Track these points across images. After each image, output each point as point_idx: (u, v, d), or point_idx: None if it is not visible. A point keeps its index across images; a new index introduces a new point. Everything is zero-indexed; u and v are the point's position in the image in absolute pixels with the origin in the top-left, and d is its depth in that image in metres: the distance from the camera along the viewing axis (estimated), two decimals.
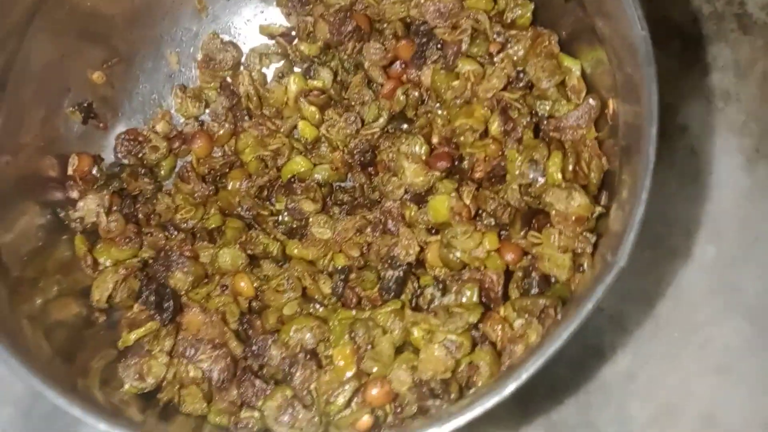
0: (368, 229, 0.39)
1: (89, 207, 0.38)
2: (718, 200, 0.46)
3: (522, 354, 0.29)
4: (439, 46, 0.38)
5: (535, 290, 0.32)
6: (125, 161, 0.42)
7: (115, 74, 0.41)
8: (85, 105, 0.40)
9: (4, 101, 0.34)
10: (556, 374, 0.42)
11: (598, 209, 0.32)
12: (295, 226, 0.41)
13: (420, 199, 0.38)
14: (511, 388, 0.26)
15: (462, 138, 0.36)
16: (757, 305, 0.44)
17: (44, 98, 0.37)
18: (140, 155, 0.42)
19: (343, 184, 0.43)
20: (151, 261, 0.38)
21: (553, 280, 0.32)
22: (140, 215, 0.41)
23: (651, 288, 0.44)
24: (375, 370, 0.31)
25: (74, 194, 0.39)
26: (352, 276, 0.38)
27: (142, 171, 0.41)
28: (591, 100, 0.34)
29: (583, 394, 0.42)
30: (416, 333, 0.31)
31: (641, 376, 0.43)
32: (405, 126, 0.41)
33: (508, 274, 0.33)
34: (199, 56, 0.44)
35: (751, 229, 0.46)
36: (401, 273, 0.35)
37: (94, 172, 0.40)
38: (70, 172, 0.39)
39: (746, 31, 0.49)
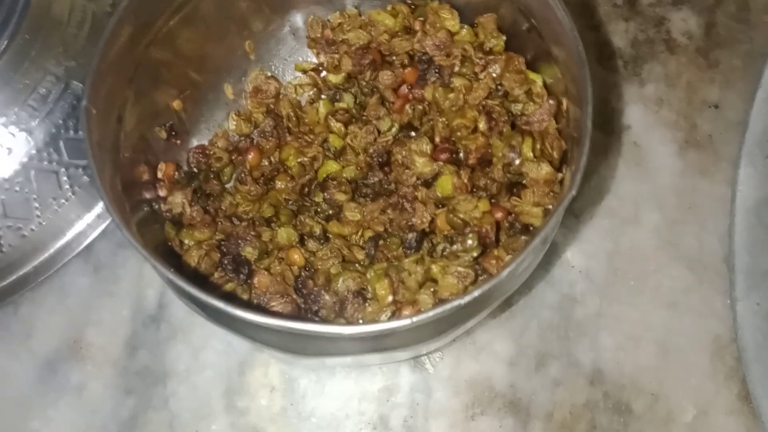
0: (389, 210, 0.48)
1: (176, 201, 0.48)
2: (658, 179, 0.56)
3: None
4: (436, 70, 0.48)
5: (519, 235, 0.43)
6: (196, 169, 0.53)
7: (188, 103, 0.51)
8: (168, 126, 0.50)
9: (122, 129, 0.44)
10: (542, 317, 0.52)
11: (560, 175, 0.43)
12: (330, 213, 0.50)
13: (428, 183, 0.48)
14: (503, 274, 0.34)
15: (458, 134, 0.46)
16: (693, 257, 0.53)
17: (142, 122, 0.47)
18: (208, 164, 0.53)
19: (365, 181, 0.51)
20: (223, 241, 0.49)
21: (531, 227, 0.43)
22: (211, 209, 0.51)
23: (610, 248, 0.54)
24: (406, 296, 0.42)
25: (163, 192, 0.48)
26: (380, 243, 0.48)
27: (212, 176, 0.52)
28: (550, 101, 0.44)
29: (564, 331, 0.51)
30: (434, 269, 0.42)
31: (607, 315, 0.51)
32: (412, 133, 0.50)
33: (498, 227, 0.44)
34: (249, 88, 0.54)
35: (686, 200, 0.55)
36: (419, 234, 0.46)
37: (176, 176, 0.50)
38: (159, 175, 0.48)
39: (672, 51, 0.60)
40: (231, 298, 0.46)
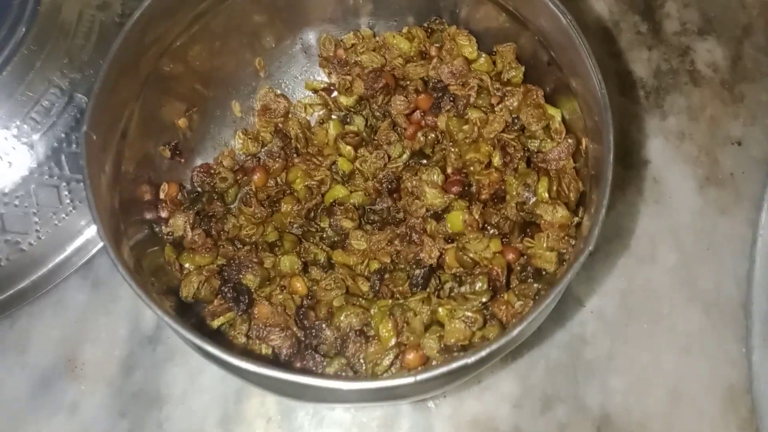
0: (396, 241, 0.47)
1: (177, 224, 0.47)
2: (676, 217, 0.54)
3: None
4: (451, 99, 0.47)
5: (530, 280, 0.41)
6: (200, 189, 0.51)
7: (194, 120, 0.50)
8: (173, 144, 0.48)
9: (125, 145, 0.43)
10: (550, 357, 0.50)
11: (576, 219, 0.41)
12: (336, 239, 0.49)
13: (438, 216, 0.47)
14: (514, 332, 0.33)
15: (471, 168, 0.45)
16: (710, 299, 0.51)
17: (147, 139, 0.46)
18: (212, 184, 0.51)
19: (373, 207, 0.49)
20: (224, 267, 0.48)
21: (543, 272, 0.41)
22: (213, 231, 0.50)
23: (624, 287, 0.52)
24: (411, 339, 0.40)
25: (165, 214, 0.47)
26: (386, 276, 0.47)
27: (215, 196, 0.51)
28: (569, 139, 0.43)
29: (572, 372, 0.49)
30: (441, 311, 0.40)
31: (618, 357, 0.50)
32: (424, 161, 0.49)
33: (510, 269, 0.42)
34: (258, 106, 0.52)
35: (704, 239, 0.53)
36: (426, 271, 0.44)
37: (179, 197, 0.48)
38: (161, 196, 0.47)
39: (696, 83, 0.58)
40: (221, 336, 0.44)
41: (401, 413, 0.49)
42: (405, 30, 0.50)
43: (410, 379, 0.30)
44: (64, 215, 0.51)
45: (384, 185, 0.50)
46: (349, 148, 0.51)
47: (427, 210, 0.47)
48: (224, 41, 0.49)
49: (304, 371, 0.40)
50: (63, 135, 0.49)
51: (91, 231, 0.52)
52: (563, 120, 0.45)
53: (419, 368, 0.39)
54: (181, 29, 0.46)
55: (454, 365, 0.30)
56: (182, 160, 0.50)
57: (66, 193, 0.51)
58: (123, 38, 0.40)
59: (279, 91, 0.53)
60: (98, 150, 0.38)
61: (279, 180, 0.52)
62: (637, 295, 0.52)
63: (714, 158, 0.56)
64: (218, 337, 0.44)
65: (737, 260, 0.53)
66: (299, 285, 0.47)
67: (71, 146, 0.49)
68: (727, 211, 0.55)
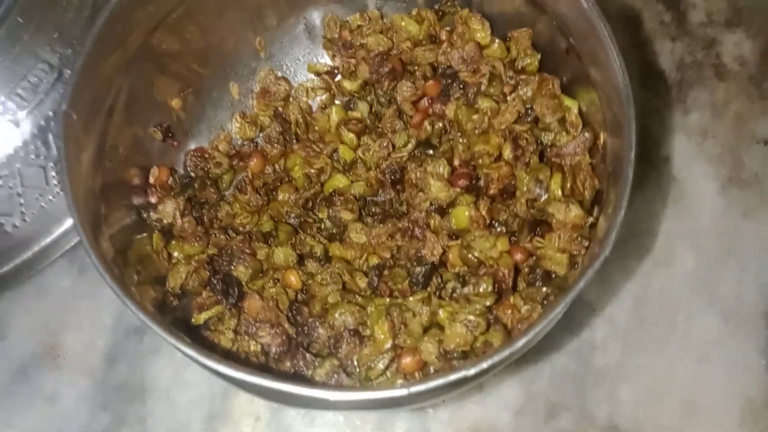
0: (398, 235, 0.44)
1: (167, 210, 0.44)
2: (696, 219, 0.51)
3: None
4: (461, 86, 0.44)
5: (539, 283, 0.38)
6: (193, 174, 0.49)
7: (188, 102, 0.47)
8: (165, 126, 0.46)
9: (111, 124, 0.41)
10: (557, 363, 0.48)
11: (590, 219, 0.38)
12: (334, 231, 0.46)
13: (443, 211, 0.44)
14: (519, 343, 0.31)
15: (480, 161, 0.42)
16: (729, 306, 0.49)
17: (136, 120, 0.44)
18: (206, 169, 0.49)
19: (375, 199, 0.47)
20: (215, 257, 0.45)
21: (553, 275, 0.38)
22: (205, 219, 0.48)
23: (638, 292, 0.49)
24: (408, 342, 0.37)
25: (154, 199, 0.45)
26: (385, 272, 0.44)
27: (209, 182, 0.48)
28: (586, 133, 0.40)
29: (579, 380, 0.47)
30: (441, 314, 0.38)
31: (629, 365, 0.47)
32: (430, 151, 0.46)
33: (517, 270, 0.39)
34: (257, 89, 0.50)
35: (726, 243, 0.50)
36: (428, 269, 0.41)
37: (170, 182, 0.46)
38: (151, 180, 0.45)
39: (721, 78, 0.55)
40: (200, 335, 0.42)
41: (397, 416, 0.47)
42: (414, 12, 0.47)
43: (403, 392, 0.28)
44: (50, 197, 0.48)
45: (387, 176, 0.47)
46: (351, 135, 0.48)
47: (432, 204, 0.44)
48: (223, 17, 0.47)
49: (292, 377, 0.37)
50: (51, 113, 0.47)
51: None
52: (580, 112, 0.42)
53: (416, 373, 0.37)
54: (176, 2, 0.43)
55: (452, 377, 0.28)
56: (175, 144, 0.48)
57: (53, 174, 0.48)
58: (110, 10, 0.38)
59: (280, 74, 0.51)
60: (79, 131, 0.36)
61: (277, 167, 0.49)
62: (651, 300, 0.49)
63: (738, 157, 0.53)
64: (205, 332, 0.42)
65: (761, 266, 0.50)
66: (293, 278, 0.44)
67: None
68: (751, 213, 0.52)
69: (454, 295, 0.39)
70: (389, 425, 0.47)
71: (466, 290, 0.39)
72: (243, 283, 0.43)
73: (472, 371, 0.28)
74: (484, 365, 0.28)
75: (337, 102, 0.50)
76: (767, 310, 0.49)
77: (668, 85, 0.55)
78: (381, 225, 0.46)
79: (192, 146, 0.48)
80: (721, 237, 0.51)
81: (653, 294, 0.49)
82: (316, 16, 0.50)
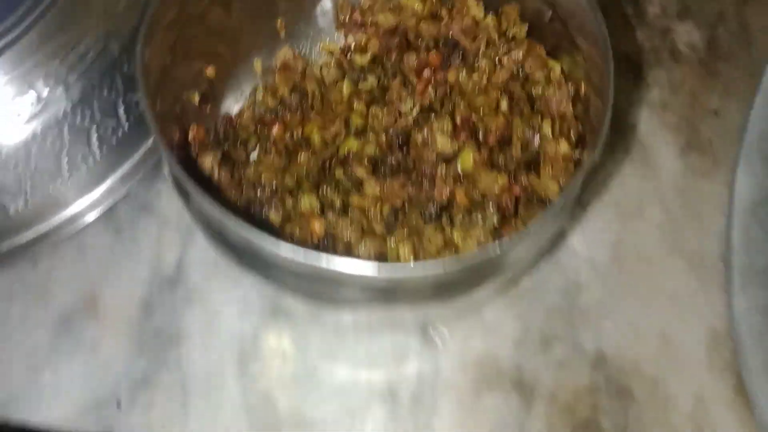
0: (408, 185, 0.51)
1: (206, 162, 0.50)
2: (661, 178, 0.58)
3: None
4: (460, 55, 0.51)
5: (536, 209, 0.45)
6: (223, 137, 0.54)
7: (220, 72, 0.53)
8: (201, 91, 0.52)
9: (159, 91, 0.46)
10: (548, 301, 0.53)
11: (577, 152, 0.46)
12: (350, 187, 0.53)
13: (447, 161, 0.51)
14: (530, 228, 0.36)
15: (480, 113, 0.49)
16: (693, 250, 0.56)
17: (178, 84, 0.49)
18: (235, 133, 0.55)
19: (385, 158, 0.52)
20: (250, 203, 0.50)
21: (548, 202, 0.45)
22: (236, 176, 0.53)
23: (614, 239, 0.56)
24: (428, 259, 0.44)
25: (194, 154, 0.51)
26: (400, 216, 0.50)
27: (239, 143, 0.54)
28: (569, 86, 0.48)
29: (568, 315, 0.53)
30: (455, 235, 0.44)
31: (610, 303, 0.53)
32: (433, 115, 0.53)
33: (517, 200, 0.46)
34: (277, 64, 0.56)
35: (687, 199, 0.58)
36: (438, 206, 0.48)
37: (206, 140, 0.52)
38: (190, 138, 0.51)
39: (676, 60, 0.63)
40: None
41: (410, 350, 0.52)
42: None
43: (438, 266, 0.33)
44: (92, 159, 0.53)
45: (395, 139, 0.53)
46: (362, 105, 0.55)
47: (437, 156, 0.51)
48: (248, 2, 0.53)
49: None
50: (96, 81, 0.52)
51: (116, 177, 0.55)
52: (562, 71, 0.49)
53: None
54: None
55: (484, 252, 0.34)
56: (208, 109, 0.53)
57: (95, 138, 0.53)
58: None
59: (297, 51, 0.57)
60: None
61: (296, 133, 0.55)
62: (626, 247, 0.56)
63: (694, 127, 0.61)
64: None
65: (717, 218, 0.57)
66: (317, 225, 0.50)
67: (103, 91, 0.52)
68: (707, 174, 0.60)
69: (464, 223, 0.46)
70: (404, 359, 0.52)
71: (473, 217, 0.45)
72: (277, 227, 0.49)
73: (498, 247, 0.34)
74: (505, 244, 0.34)
75: (348, 77, 0.56)
76: (723, 254, 0.56)
77: (632, 67, 0.63)
78: (393, 178, 0.52)
79: (222, 112, 0.54)
80: (683, 194, 0.58)
81: (628, 242, 0.56)
82: (328, 1, 0.57)
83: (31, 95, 0.50)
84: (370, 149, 0.54)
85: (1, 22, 0.48)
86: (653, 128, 0.61)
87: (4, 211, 0.53)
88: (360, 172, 0.53)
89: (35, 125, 0.51)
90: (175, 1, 0.45)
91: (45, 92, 0.51)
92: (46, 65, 0.50)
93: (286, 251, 0.34)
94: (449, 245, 0.45)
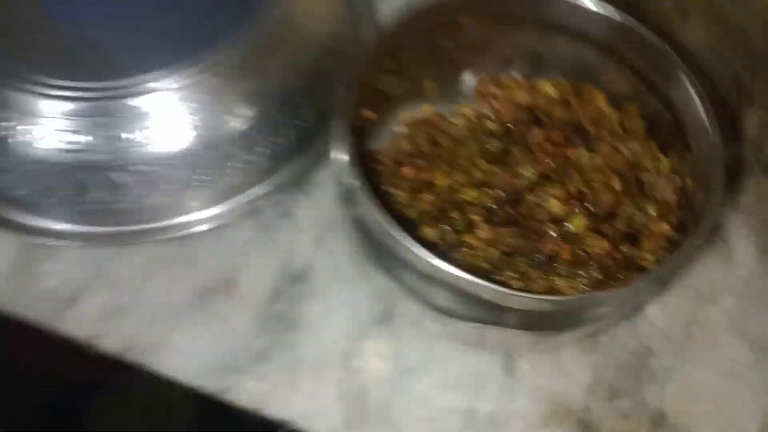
0: (517, 235, 0.60)
1: None
2: (737, 273, 0.65)
3: None
4: (583, 136, 0.60)
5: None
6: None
7: (376, 114, 0.65)
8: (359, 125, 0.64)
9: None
10: (621, 358, 0.60)
11: (675, 234, 0.54)
12: (463, 228, 0.62)
13: (555, 221, 0.60)
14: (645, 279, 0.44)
15: (593, 187, 0.57)
16: (756, 339, 0.62)
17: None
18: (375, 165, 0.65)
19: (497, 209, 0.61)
20: None
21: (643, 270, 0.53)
22: None
23: (688, 317, 0.63)
24: None
25: None
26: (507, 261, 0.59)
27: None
28: (676, 177, 0.56)
29: (637, 374, 0.60)
30: (559, 282, 0.52)
31: (677, 370, 0.60)
32: (548, 182, 0.62)
33: (617, 264, 0.54)
34: (419, 117, 0.68)
35: (759, 296, 0.64)
36: (545, 257, 0.56)
37: None
38: None
39: (765, 174, 0.73)
40: None
41: (492, 377, 0.60)
42: (553, 81, 0.64)
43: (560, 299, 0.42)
44: (250, 167, 0.64)
45: (510, 195, 0.62)
46: (484, 163, 0.64)
47: (548, 215, 0.59)
48: (412, 62, 0.64)
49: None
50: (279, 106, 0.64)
51: (266, 185, 0.65)
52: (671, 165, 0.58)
53: None
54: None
55: (587, 299, 0.42)
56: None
57: (258, 149, 0.64)
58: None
59: (438, 109, 0.67)
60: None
61: (424, 176, 0.65)
62: (697, 325, 0.63)
63: None
64: None
65: None
66: None
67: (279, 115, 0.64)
68: None
69: (569, 274, 0.54)
70: (486, 383, 0.60)
71: (577, 271, 0.53)
72: None
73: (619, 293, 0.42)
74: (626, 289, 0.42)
75: (476, 138, 0.66)
76: None
77: (726, 171, 0.70)
78: (503, 227, 0.61)
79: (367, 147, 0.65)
80: (756, 289, 0.65)
81: (699, 321, 0.63)
82: (469, 77, 0.68)
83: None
84: (487, 200, 0.63)
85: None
86: (737, 228, 0.68)
87: (174, 195, 0.63)
88: (475, 217, 0.61)
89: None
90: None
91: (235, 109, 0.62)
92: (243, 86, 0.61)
93: (439, 264, 0.43)
94: (553, 291, 0.53)
